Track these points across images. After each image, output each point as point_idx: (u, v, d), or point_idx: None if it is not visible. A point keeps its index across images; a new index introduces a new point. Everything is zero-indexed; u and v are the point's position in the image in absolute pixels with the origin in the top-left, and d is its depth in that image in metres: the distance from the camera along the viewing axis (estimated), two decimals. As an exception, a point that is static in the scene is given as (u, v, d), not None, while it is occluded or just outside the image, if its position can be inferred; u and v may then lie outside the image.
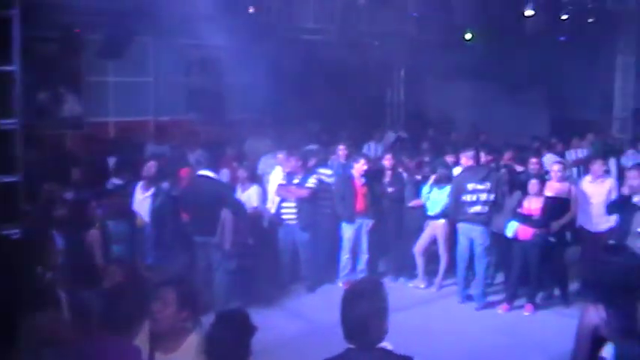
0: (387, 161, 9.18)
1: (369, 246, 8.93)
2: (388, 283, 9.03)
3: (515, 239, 8.07)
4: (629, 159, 12.26)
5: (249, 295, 7.70)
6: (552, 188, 8.30)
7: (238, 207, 7.95)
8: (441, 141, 13.10)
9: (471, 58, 15.79)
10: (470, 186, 8.09)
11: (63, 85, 11.76)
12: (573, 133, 13.28)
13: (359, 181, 8.79)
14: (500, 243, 8.46)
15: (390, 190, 9.05)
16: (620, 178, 9.54)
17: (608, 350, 3.03)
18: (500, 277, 8.97)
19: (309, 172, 8.77)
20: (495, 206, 8.13)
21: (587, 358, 3.98)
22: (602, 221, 8.45)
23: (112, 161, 9.65)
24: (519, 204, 8.11)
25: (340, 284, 8.71)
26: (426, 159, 10.04)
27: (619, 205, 7.60)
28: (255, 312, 6.98)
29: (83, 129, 11.97)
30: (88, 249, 6.65)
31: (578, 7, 14.97)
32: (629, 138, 15.93)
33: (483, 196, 8.05)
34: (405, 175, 9.36)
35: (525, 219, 8.00)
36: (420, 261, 8.95)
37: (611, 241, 7.13)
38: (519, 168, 9.35)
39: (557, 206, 8.14)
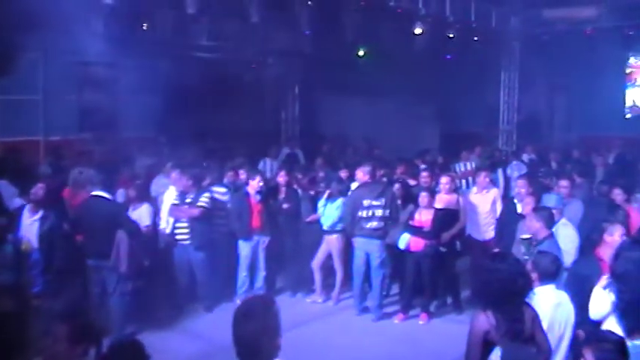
0: (282, 178, 9.25)
1: (266, 263, 8.91)
2: (286, 298, 9.10)
3: (407, 251, 8.28)
4: (513, 169, 12.87)
5: (146, 318, 7.54)
6: (442, 200, 8.61)
7: (133, 228, 7.76)
8: (336, 156, 13.29)
9: (363, 74, 16.13)
10: (366, 202, 8.21)
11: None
12: (462, 146, 13.76)
13: (254, 198, 8.79)
14: (394, 255, 8.63)
15: (285, 206, 9.11)
16: (506, 187, 10.00)
17: (496, 354, 3.16)
18: (395, 289, 9.16)
19: (201, 190, 8.63)
20: (390, 221, 8.30)
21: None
22: (488, 230, 8.84)
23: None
24: (411, 216, 8.35)
25: (238, 302, 8.63)
26: (321, 174, 10.16)
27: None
28: (152, 335, 6.90)
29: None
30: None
31: (463, 26, 15.57)
32: (514, 149, 16.70)
33: (379, 212, 8.19)
34: (299, 191, 9.45)
35: (417, 231, 8.22)
36: (317, 276, 9.03)
37: (497, 249, 7.44)
38: (412, 182, 9.63)
39: (447, 217, 8.44)
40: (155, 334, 7.17)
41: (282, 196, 9.20)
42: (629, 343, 5.02)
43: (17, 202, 8.41)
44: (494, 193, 9.16)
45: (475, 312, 4.39)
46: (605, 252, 5.71)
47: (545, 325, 4.53)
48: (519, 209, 7.87)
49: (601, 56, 18.08)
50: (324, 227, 8.79)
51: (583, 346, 3.92)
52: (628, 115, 20.71)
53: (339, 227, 8.68)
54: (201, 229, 8.46)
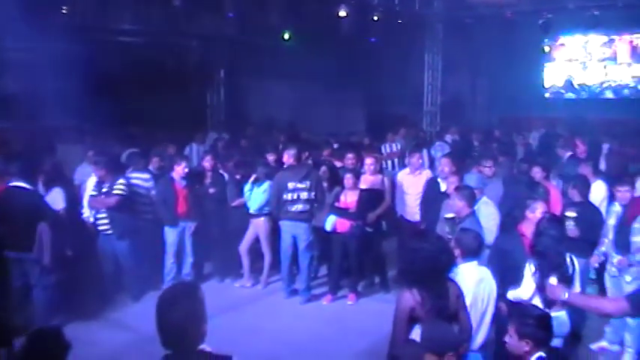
0: (207, 162, 9.14)
1: (194, 249, 8.80)
2: (214, 284, 9.04)
3: (334, 232, 8.32)
4: (437, 150, 13.09)
5: (72, 310, 7.34)
6: (367, 181, 8.68)
7: (55, 218, 7.51)
8: (262, 140, 13.24)
9: (289, 58, 16.10)
10: (290, 185, 8.20)
11: None
12: (388, 128, 13.90)
13: (180, 184, 8.66)
14: (321, 237, 8.68)
15: (211, 190, 9.01)
16: (431, 168, 10.15)
17: (416, 332, 3.21)
18: (323, 270, 9.23)
19: (116, 178, 8.27)
20: (316, 203, 8.32)
21: (406, 339, 4.17)
22: (419, 211, 8.91)
23: None
24: (337, 198, 8.38)
25: (165, 290, 8.51)
26: (247, 158, 10.08)
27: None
28: (78, 327, 6.73)
29: None
30: None
31: (387, 9, 15.70)
32: (438, 130, 17.01)
33: (304, 195, 8.20)
34: (225, 175, 9.37)
35: (342, 212, 8.26)
36: (245, 260, 8.98)
37: (422, 228, 7.57)
38: (338, 164, 9.66)
39: (372, 198, 8.50)
40: (81, 326, 7.01)
41: (208, 180, 9.09)
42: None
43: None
44: (427, 174, 9.18)
45: (401, 290, 4.46)
46: (527, 228, 5.89)
47: (468, 300, 4.63)
48: (443, 188, 8.01)
49: (521, 39, 18.58)
50: (251, 211, 8.73)
51: (507, 322, 4.03)
52: (547, 95, 21.41)
53: (265, 211, 8.65)
54: (120, 217, 8.18)
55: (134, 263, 8.41)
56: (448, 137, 14.96)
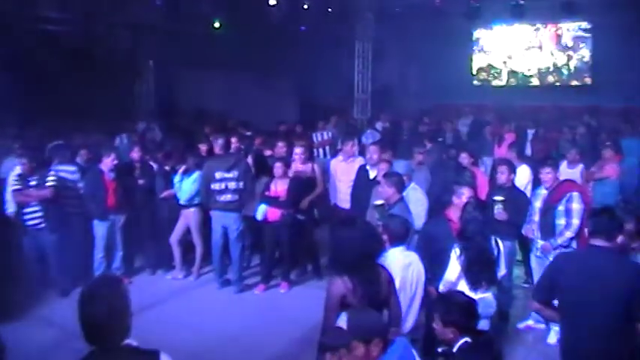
0: (136, 153, 8.97)
1: (124, 242, 8.63)
2: (146, 277, 8.92)
3: (265, 221, 8.30)
4: (368, 137, 13.21)
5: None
6: (297, 169, 8.67)
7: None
8: (194, 129, 13.08)
9: (220, 47, 15.94)
10: (218, 175, 8.14)
11: None
12: (319, 116, 13.93)
13: (108, 176, 8.46)
14: (253, 226, 8.64)
15: (140, 182, 8.86)
16: (361, 155, 10.19)
17: (342, 319, 3.23)
18: (256, 260, 9.20)
19: (45, 171, 8.10)
20: (245, 193, 8.27)
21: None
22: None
23: None
24: (267, 187, 8.36)
25: (94, 285, 8.33)
26: (177, 148, 9.94)
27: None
28: (4, 325, 6.52)
29: None
30: None
31: (317, -2, 15.72)
32: (368, 118, 17.14)
33: (232, 185, 8.14)
34: (155, 166, 9.22)
35: (273, 201, 8.24)
36: (176, 251, 8.88)
37: (352, 215, 7.61)
38: (268, 152, 9.63)
39: (303, 186, 8.50)
40: (7, 324, 6.78)
41: (137, 172, 8.93)
42: (474, 295, 5.35)
43: None
44: (360, 161, 9.18)
45: (331, 277, 4.48)
46: (454, 213, 6.00)
47: (397, 285, 4.69)
48: (372, 175, 8.09)
49: (450, 28, 18.88)
50: (181, 202, 8.63)
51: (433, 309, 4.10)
52: (475, 83, 21.85)
53: (196, 201, 8.56)
54: (54, 209, 8.03)
55: (62, 258, 8.21)
56: (379, 125, 15.09)
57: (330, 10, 16.79)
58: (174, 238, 8.80)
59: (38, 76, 12.36)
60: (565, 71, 21.00)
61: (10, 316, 7.13)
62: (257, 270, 8.97)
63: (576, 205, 6.67)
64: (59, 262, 8.22)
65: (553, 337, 6.87)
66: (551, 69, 21.15)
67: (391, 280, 4.49)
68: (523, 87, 21.29)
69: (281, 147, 9.18)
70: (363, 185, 8.15)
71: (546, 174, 6.95)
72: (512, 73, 21.67)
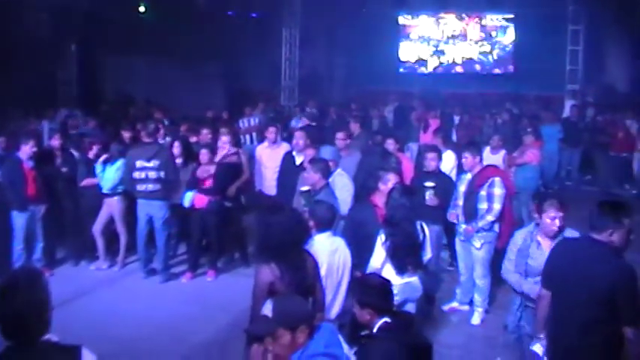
0: (56, 141, 8.69)
1: (45, 232, 8.33)
2: (69, 268, 8.68)
3: (192, 208, 8.20)
4: (297, 124, 13.20)
5: None
6: (224, 157, 8.58)
7: None
8: (118, 116, 12.80)
9: (145, 32, 15.64)
10: (139, 163, 7.99)
11: None
12: (246, 102, 13.83)
13: (27, 165, 8.16)
14: (180, 214, 8.51)
15: (63, 170, 8.59)
16: (289, 141, 10.16)
17: (267, 307, 3.20)
18: (183, 248, 9.07)
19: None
20: (168, 182, 8.13)
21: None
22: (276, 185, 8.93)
23: None
24: (193, 174, 8.24)
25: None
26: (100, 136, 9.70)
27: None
28: None
29: None
30: None
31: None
32: (296, 104, 17.14)
33: (152, 174, 7.98)
34: (77, 154, 8.95)
35: (199, 188, 8.15)
36: (100, 241, 8.66)
37: (278, 202, 7.61)
38: (194, 139, 9.50)
39: (230, 172, 8.41)
40: None
41: (58, 160, 8.65)
42: (401, 280, 5.44)
43: None
44: (285, 148, 9.14)
45: (259, 265, 4.45)
46: (379, 199, 6.04)
47: (323, 270, 4.70)
48: (298, 161, 8.08)
49: (377, 15, 19.03)
50: (104, 190, 8.42)
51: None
52: (402, 70, 22.13)
53: (119, 190, 8.37)
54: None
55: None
56: (307, 111, 15.10)
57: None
58: (98, 227, 8.58)
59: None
60: (488, 60, 21.50)
61: None
62: (184, 258, 8.85)
63: (498, 190, 6.83)
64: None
65: (477, 319, 7.06)
66: (475, 58, 21.62)
67: (315, 266, 4.50)
68: (449, 75, 21.69)
69: (206, 134, 9.07)
70: (289, 171, 8.12)
71: (469, 158, 7.08)
72: (438, 61, 22.04)
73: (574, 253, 4.30)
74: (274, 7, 17.87)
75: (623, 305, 3.94)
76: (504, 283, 7.79)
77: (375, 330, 3.87)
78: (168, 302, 7.61)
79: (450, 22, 21.65)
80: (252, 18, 18.12)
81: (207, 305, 7.50)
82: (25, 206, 8.07)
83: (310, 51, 19.35)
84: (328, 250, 4.97)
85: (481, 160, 7.20)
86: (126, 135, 9.55)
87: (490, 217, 6.81)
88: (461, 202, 7.09)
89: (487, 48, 21.47)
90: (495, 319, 7.11)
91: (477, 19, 21.48)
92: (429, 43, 22.00)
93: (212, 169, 8.19)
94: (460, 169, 8.05)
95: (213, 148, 8.42)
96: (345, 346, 3.28)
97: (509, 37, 21.10)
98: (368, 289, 4.03)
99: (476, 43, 21.61)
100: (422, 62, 22.16)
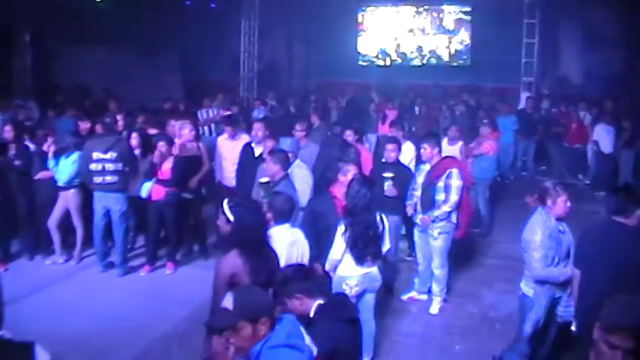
0: (8, 133, 8.48)
1: (-2, 227, 8.21)
2: (24, 263, 8.50)
3: (150, 200, 8.11)
4: (260, 114, 13.19)
5: None
6: (183, 148, 8.50)
7: None
8: (75, 106, 12.55)
9: (102, 21, 15.38)
10: (95, 155, 7.87)
11: None
12: (205, 94, 13.72)
13: (-22, 158, 8.00)
14: (138, 206, 8.41)
15: (16, 163, 8.40)
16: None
17: (228, 299, 3.18)
18: (141, 241, 8.98)
19: None
20: (125, 174, 8.03)
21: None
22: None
23: None
24: (151, 165, 8.14)
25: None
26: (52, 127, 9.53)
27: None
28: None
29: None
30: None
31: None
32: (255, 96, 17.08)
33: (110, 166, 7.87)
34: (32, 146, 8.77)
35: (157, 179, 8.05)
36: (55, 235, 8.50)
37: (238, 194, 7.56)
38: (152, 131, 9.37)
39: (188, 164, 8.33)
40: None
41: (12, 152, 8.46)
42: (360, 270, 5.49)
43: None
44: (245, 139, 9.03)
45: (220, 256, 4.43)
46: (339, 190, 6.07)
47: (282, 262, 4.69)
48: (257, 153, 8.05)
49: (336, 7, 19.05)
50: (60, 183, 8.26)
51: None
52: (361, 62, 22.20)
53: (75, 182, 8.22)
54: None
55: None
56: (268, 102, 15.08)
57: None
58: (53, 221, 8.41)
59: None
60: (446, 53, 21.71)
61: None
62: (142, 251, 8.75)
63: (455, 182, 6.88)
64: None
65: (435, 308, 7.14)
66: (433, 50, 21.81)
67: (275, 258, 4.50)
68: (407, 66, 21.83)
69: (173, 126, 8.98)
70: (248, 163, 8.08)
71: (424, 150, 7.14)
72: (396, 53, 22.16)
73: (609, 236, 4.84)
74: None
75: None
76: (462, 272, 7.99)
77: (312, 315, 3.87)
78: (127, 296, 7.52)
79: (409, 14, 21.79)
80: (211, 9, 17.91)
81: (166, 298, 7.43)
82: (-24, 200, 7.90)
83: (269, 42, 19.29)
84: (287, 242, 4.98)
85: (440, 151, 7.25)
86: (83, 126, 9.38)
87: (447, 208, 6.87)
88: (418, 193, 7.14)
89: (445, 40, 21.66)
90: (453, 308, 7.24)
91: (433, 12, 21.66)
92: (387, 35, 22.11)
93: (170, 161, 8.09)
94: (419, 160, 8.11)
95: (170, 140, 8.31)
96: (307, 337, 3.28)
97: (466, 30, 21.32)
98: (286, 280, 4.03)
99: (434, 35, 21.79)
100: (380, 54, 22.25)
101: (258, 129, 8.26)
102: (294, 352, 3.10)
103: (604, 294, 4.22)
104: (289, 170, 6.64)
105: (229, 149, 8.95)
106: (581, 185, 13.03)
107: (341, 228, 5.48)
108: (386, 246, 5.78)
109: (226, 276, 4.20)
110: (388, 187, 7.12)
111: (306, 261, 5.10)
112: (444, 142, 9.93)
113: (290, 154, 6.91)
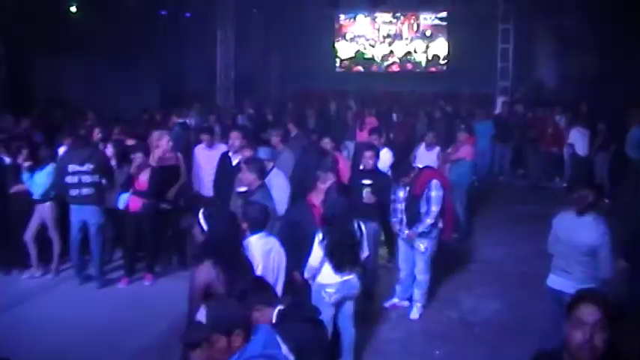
0: (-17, 145, 8.40)
1: (-28, 241, 8.11)
2: (0, 277, 8.42)
3: (127, 212, 8.05)
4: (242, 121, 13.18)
5: None
6: (160, 158, 8.40)
7: None
8: (50, 119, 12.46)
9: (78, 31, 15.29)
10: (71, 168, 7.81)
11: None
12: (182, 103, 13.67)
13: (-49, 171, 7.90)
14: (115, 218, 8.36)
15: (-10, 177, 8.32)
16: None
17: (201, 313, 3.16)
18: (118, 253, 8.90)
19: None
20: (101, 186, 7.97)
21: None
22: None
23: None
24: (129, 176, 8.09)
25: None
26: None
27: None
28: None
29: None
30: None
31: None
32: (232, 105, 17.04)
33: (86, 178, 7.82)
34: (6, 159, 8.67)
35: (134, 190, 8.00)
36: (32, 249, 8.40)
37: (215, 204, 7.54)
38: (130, 141, 9.32)
39: (167, 175, 8.27)
40: None
41: (-15, 166, 8.37)
42: (339, 278, 5.49)
43: None
44: (223, 149, 8.95)
45: (195, 267, 4.41)
46: (317, 198, 6.08)
47: (258, 271, 4.69)
48: (235, 162, 8.02)
49: (313, 15, 19.11)
50: (35, 196, 8.17)
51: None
52: (338, 70, 22.29)
53: (51, 195, 8.14)
54: None
55: None
56: (247, 112, 15.08)
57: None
58: (29, 234, 8.31)
59: None
60: (423, 59, 21.85)
61: None
62: (120, 263, 8.68)
63: (435, 193, 6.88)
64: None
65: (415, 313, 7.15)
66: (410, 57, 21.94)
67: (250, 267, 4.48)
68: (384, 74, 21.93)
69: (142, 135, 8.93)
70: (225, 172, 8.05)
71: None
72: (374, 60, 22.26)
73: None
74: (207, 7, 17.69)
75: None
76: (441, 277, 8.01)
77: (274, 320, 3.84)
78: (105, 309, 7.45)
79: (386, 21, 21.92)
80: (186, 18, 17.85)
81: (145, 310, 7.37)
82: (-50, 215, 7.80)
83: (245, 51, 19.28)
84: (262, 251, 4.96)
85: (414, 158, 7.27)
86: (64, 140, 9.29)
87: (429, 220, 6.87)
88: (402, 207, 7.09)
89: (422, 46, 21.81)
90: (433, 313, 7.25)
91: (411, 19, 21.80)
92: (365, 42, 22.21)
93: (147, 172, 8.04)
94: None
95: (147, 151, 8.25)
96: (284, 347, 3.27)
97: (442, 36, 21.48)
98: (243, 293, 3.91)
99: (411, 41, 21.93)
100: (358, 61, 22.34)
101: (235, 138, 8.23)
102: (271, 362, 3.09)
103: None
104: (266, 179, 6.62)
105: (207, 159, 8.92)
106: (557, 188, 13.14)
107: (319, 236, 5.47)
108: (364, 253, 5.78)
109: (201, 286, 4.19)
110: (366, 194, 7.12)
111: (282, 269, 5.10)
112: (421, 148, 9.99)
113: (267, 163, 6.90)
